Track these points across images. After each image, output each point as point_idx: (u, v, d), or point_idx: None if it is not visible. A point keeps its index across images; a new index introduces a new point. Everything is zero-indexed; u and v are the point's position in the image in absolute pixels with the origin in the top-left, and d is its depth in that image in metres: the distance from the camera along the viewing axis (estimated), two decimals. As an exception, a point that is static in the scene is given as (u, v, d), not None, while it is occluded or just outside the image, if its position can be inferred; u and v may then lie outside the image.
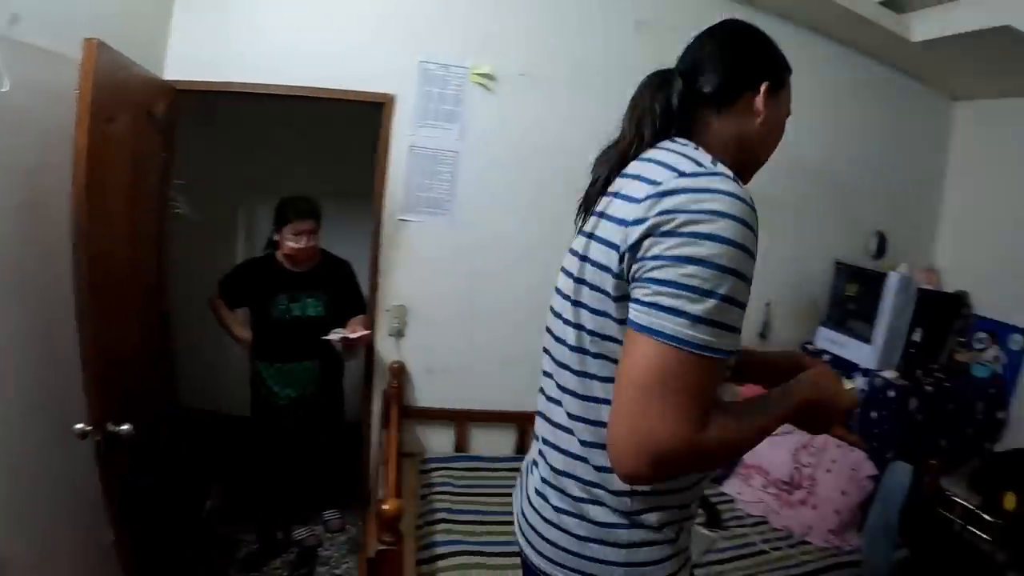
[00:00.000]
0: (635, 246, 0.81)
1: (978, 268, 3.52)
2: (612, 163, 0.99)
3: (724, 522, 2.53)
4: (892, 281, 2.77)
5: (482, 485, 2.45)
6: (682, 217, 0.78)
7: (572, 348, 0.95)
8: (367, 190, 2.54)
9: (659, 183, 0.82)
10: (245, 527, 2.73)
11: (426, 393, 2.64)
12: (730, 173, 0.83)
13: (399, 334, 2.56)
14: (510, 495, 2.34)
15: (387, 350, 2.58)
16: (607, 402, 0.88)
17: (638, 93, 1.04)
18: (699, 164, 0.84)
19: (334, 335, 2.38)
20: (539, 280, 2.62)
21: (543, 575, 1.00)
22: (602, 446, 0.87)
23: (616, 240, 0.85)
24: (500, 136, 2.53)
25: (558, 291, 1.02)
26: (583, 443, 0.95)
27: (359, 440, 2.71)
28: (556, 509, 0.98)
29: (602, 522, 0.93)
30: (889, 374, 2.76)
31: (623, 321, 0.85)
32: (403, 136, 2.46)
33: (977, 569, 2.59)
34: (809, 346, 3.23)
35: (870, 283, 2.93)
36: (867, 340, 2.85)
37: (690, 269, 0.76)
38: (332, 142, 3.27)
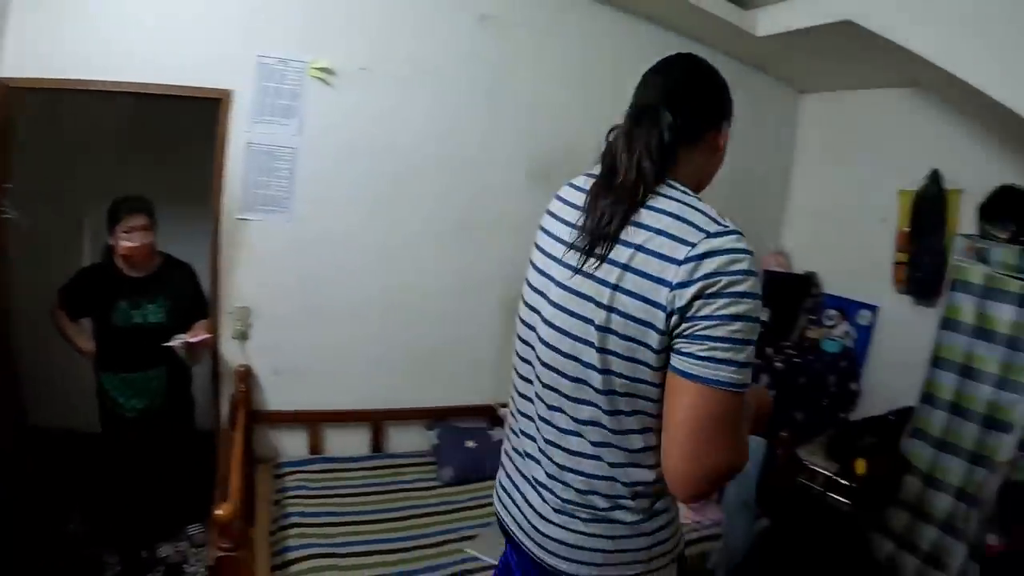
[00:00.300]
0: (685, 308, 0.93)
1: (826, 250, 3.77)
2: (625, 206, 1.02)
3: None
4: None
5: (337, 487, 2.43)
6: (725, 280, 0.91)
7: (599, 390, 1.03)
8: (204, 192, 2.44)
9: (693, 244, 0.93)
10: (109, 549, 2.59)
11: (276, 396, 2.58)
12: (738, 227, 0.97)
13: (243, 336, 2.48)
14: (366, 495, 2.35)
15: (232, 353, 2.49)
16: (637, 431, 1.05)
17: (632, 128, 1.08)
18: (715, 221, 0.97)
19: (175, 340, 2.30)
20: (382, 275, 2.67)
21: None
22: (632, 464, 1.06)
23: (661, 300, 0.95)
24: (340, 131, 2.50)
25: (568, 334, 1.07)
26: (612, 464, 1.07)
27: (213, 450, 2.60)
28: (586, 522, 1.11)
29: (630, 521, 1.10)
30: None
31: (660, 368, 0.98)
32: (240, 133, 2.37)
33: (836, 530, 2.78)
34: None
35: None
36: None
37: (737, 325, 0.92)
38: (175, 141, 3.14)
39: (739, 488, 2.48)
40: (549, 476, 1.14)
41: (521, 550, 1.19)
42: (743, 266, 0.92)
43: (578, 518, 1.11)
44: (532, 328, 1.16)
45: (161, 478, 2.61)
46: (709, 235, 0.94)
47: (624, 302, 0.98)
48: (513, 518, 1.22)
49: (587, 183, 1.12)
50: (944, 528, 2.73)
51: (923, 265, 3.12)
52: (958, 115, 3.11)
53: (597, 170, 1.11)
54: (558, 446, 1.12)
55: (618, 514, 1.09)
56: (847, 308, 3.56)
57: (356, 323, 2.66)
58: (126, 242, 2.28)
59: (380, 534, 2.20)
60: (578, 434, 1.09)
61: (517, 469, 1.23)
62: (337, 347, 2.65)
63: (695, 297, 0.92)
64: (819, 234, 3.75)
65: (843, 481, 2.62)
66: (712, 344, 0.92)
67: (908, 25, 2.47)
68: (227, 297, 2.45)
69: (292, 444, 2.64)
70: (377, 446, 2.79)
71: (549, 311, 1.11)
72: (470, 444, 2.73)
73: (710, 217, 0.98)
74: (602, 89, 3.03)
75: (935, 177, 3.13)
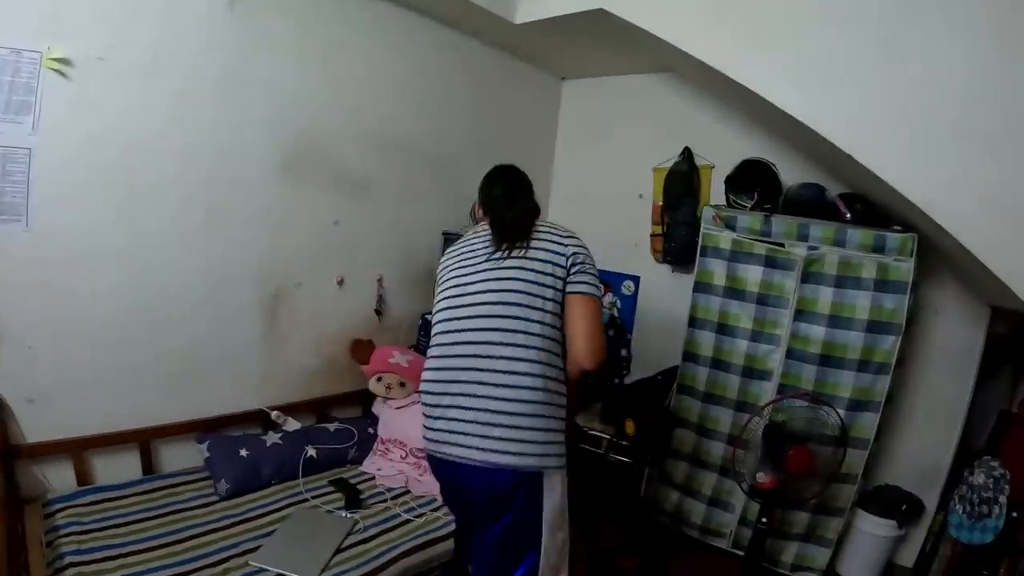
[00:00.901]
0: (570, 265, 1.81)
1: (587, 225, 3.98)
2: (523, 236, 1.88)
3: (364, 501, 2.55)
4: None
5: (111, 517, 2.21)
6: (583, 255, 1.85)
7: (534, 322, 1.75)
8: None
9: (565, 243, 1.85)
10: None
11: (33, 426, 2.29)
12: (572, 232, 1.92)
13: (-10, 364, 2.20)
14: (141, 521, 2.17)
15: (-23, 384, 2.20)
16: (558, 340, 1.79)
17: (504, 204, 1.97)
18: (568, 233, 1.90)
19: None
20: (132, 281, 2.44)
21: (518, 470, 1.68)
22: (554, 368, 1.77)
23: (560, 262, 1.81)
24: (79, 127, 2.26)
25: (497, 296, 1.79)
26: (545, 377, 1.72)
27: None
28: (532, 424, 1.70)
29: (554, 416, 1.75)
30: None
31: (564, 293, 1.80)
32: (-34, 134, 2.09)
33: (620, 481, 2.99)
34: (429, 315, 3.42)
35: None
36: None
37: (591, 271, 1.84)
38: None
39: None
40: (479, 398, 1.73)
41: None
42: (583, 247, 1.87)
43: (521, 427, 1.69)
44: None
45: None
46: (571, 237, 1.88)
47: (536, 266, 1.80)
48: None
49: (477, 237, 1.94)
50: (721, 472, 2.98)
51: (677, 236, 3.41)
52: (708, 98, 3.41)
53: (480, 229, 1.97)
54: (485, 383, 1.74)
55: (547, 410, 1.73)
56: (612, 280, 3.82)
57: (109, 336, 2.44)
58: None
59: (160, 560, 2.04)
60: (512, 369, 1.72)
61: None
62: (92, 364, 2.41)
63: (573, 261, 1.81)
64: (582, 212, 3.95)
65: (621, 442, 2.78)
66: (584, 278, 1.80)
67: (655, 13, 2.65)
68: (-36, 322, 2.15)
69: (58, 477, 2.37)
70: (148, 467, 2.57)
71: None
72: (244, 452, 2.60)
73: (564, 231, 1.90)
74: (351, 78, 3.04)
75: (687, 154, 3.42)
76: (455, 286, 1.87)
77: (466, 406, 1.72)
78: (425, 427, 1.83)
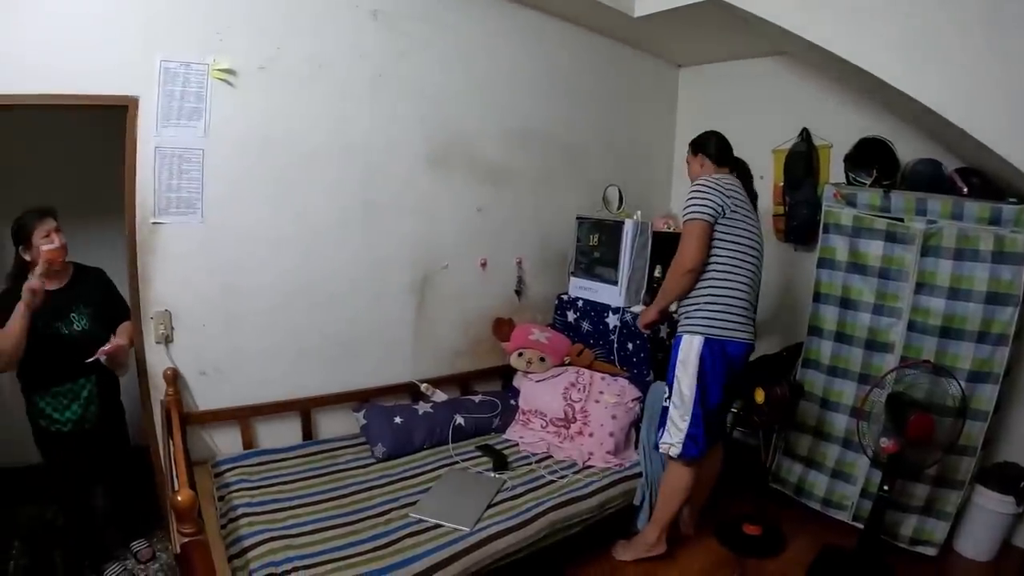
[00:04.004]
0: None
1: None
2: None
3: (510, 464, 2.72)
4: (628, 227, 3.11)
5: (276, 476, 2.46)
6: None
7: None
8: (117, 200, 2.43)
9: None
10: None
11: (205, 396, 2.59)
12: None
13: (167, 340, 2.48)
14: (305, 479, 2.39)
15: (159, 358, 2.48)
16: None
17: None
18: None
19: (97, 355, 2.28)
20: (294, 266, 2.74)
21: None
22: None
23: None
24: (244, 130, 2.54)
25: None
26: None
27: (147, 463, 2.59)
28: None
29: None
30: (637, 308, 3.10)
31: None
32: (149, 138, 2.36)
33: (746, 458, 3.07)
34: (564, 296, 3.56)
35: (609, 231, 3.27)
36: (614, 283, 3.18)
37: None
38: (80, 153, 3.09)
39: (651, 428, 2.72)
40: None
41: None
42: None
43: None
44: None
45: (102, 496, 2.62)
46: None
47: None
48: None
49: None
50: (844, 444, 3.02)
51: (798, 215, 3.44)
52: (822, 79, 3.44)
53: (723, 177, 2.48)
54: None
55: None
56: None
57: (274, 316, 2.71)
58: (48, 246, 2.25)
59: (326, 512, 2.25)
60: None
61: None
62: (259, 341, 2.68)
63: None
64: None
65: (748, 415, 2.85)
66: None
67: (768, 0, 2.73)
68: (147, 303, 2.44)
69: (225, 442, 2.66)
70: (308, 433, 2.84)
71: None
72: (398, 420, 2.82)
73: None
74: (488, 76, 3.24)
75: (805, 135, 3.45)
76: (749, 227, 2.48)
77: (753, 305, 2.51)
78: (733, 321, 2.41)
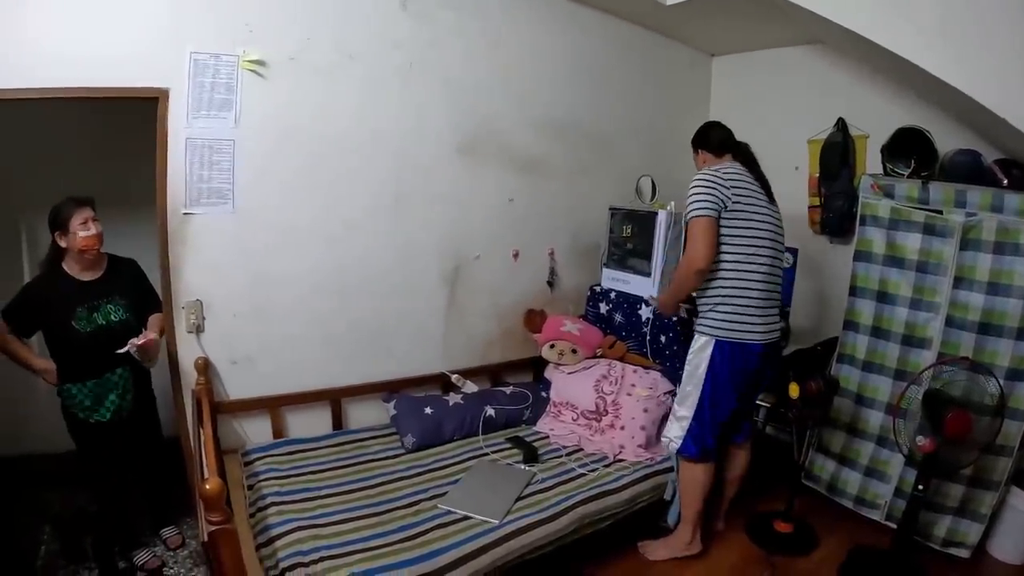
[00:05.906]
0: None
1: None
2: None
3: (540, 456, 2.70)
4: (661, 217, 3.07)
5: (306, 466, 2.48)
6: None
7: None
8: (147, 192, 2.44)
9: None
10: (85, 563, 2.58)
11: (235, 385, 2.61)
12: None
13: (198, 329, 2.50)
14: (335, 469, 2.41)
15: (190, 347, 2.50)
16: None
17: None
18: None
19: (128, 346, 2.31)
20: (325, 256, 2.74)
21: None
22: None
23: None
24: (274, 120, 2.54)
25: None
26: None
27: (178, 452, 2.63)
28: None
29: None
30: (655, 292, 3.05)
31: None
32: (180, 129, 2.38)
33: (778, 454, 3.04)
34: (596, 287, 3.54)
35: (642, 222, 3.22)
36: (647, 274, 3.14)
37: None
38: (111, 144, 3.12)
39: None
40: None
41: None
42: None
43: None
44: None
45: (134, 484, 2.64)
46: None
47: None
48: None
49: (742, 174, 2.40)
50: (879, 441, 2.96)
51: (834, 206, 3.37)
52: (858, 67, 3.36)
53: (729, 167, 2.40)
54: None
55: None
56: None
57: (305, 306, 2.72)
58: (84, 233, 2.29)
59: (355, 502, 2.26)
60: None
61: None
62: (289, 331, 2.70)
63: None
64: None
65: (781, 410, 2.81)
66: None
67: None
68: (179, 292, 2.46)
69: (255, 431, 2.68)
70: (338, 423, 2.86)
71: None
72: (428, 411, 2.82)
73: None
74: (518, 65, 3.21)
75: (841, 125, 3.38)
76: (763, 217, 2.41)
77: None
78: (746, 322, 2.35)
